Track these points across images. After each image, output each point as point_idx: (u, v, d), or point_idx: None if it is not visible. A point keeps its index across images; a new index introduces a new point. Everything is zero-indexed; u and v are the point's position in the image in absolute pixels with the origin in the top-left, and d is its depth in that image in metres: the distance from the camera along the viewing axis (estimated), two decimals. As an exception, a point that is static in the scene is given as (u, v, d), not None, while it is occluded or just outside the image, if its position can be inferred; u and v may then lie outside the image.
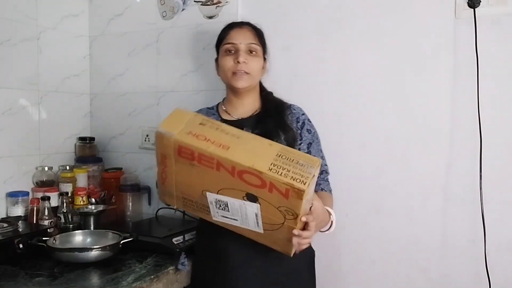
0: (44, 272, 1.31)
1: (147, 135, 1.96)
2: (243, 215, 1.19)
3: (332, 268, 1.41)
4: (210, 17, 1.80)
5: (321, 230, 1.30)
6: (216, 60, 1.48)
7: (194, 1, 1.82)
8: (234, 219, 1.22)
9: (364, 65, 1.56)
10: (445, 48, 1.45)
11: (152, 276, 1.30)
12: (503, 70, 1.39)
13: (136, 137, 1.99)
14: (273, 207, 1.13)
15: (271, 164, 1.07)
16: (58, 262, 1.37)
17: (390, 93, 1.53)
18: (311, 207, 1.18)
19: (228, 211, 1.20)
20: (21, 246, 1.41)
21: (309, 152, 1.42)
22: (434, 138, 1.48)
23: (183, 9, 1.86)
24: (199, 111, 1.51)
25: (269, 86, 1.54)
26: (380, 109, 1.54)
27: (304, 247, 1.19)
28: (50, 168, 1.86)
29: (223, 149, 1.09)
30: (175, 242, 1.49)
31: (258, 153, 1.11)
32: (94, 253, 1.35)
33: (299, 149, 1.40)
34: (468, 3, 1.40)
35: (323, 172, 1.45)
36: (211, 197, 1.19)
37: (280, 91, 1.63)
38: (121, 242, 1.42)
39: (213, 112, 1.50)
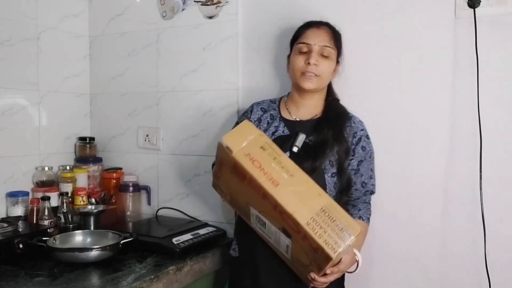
0: (44, 272, 1.31)
1: (147, 135, 1.96)
2: (277, 239, 1.22)
3: (332, 268, 1.42)
4: (210, 17, 1.80)
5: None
6: (288, 56, 1.46)
7: (194, 1, 1.82)
8: (268, 237, 1.26)
9: (364, 65, 1.56)
10: (445, 48, 1.45)
11: (152, 276, 1.30)
12: (503, 70, 1.39)
13: (136, 137, 1.99)
14: (303, 250, 1.14)
15: (311, 219, 1.07)
16: (58, 262, 1.37)
17: (390, 93, 1.53)
18: (340, 259, 1.18)
19: (265, 229, 1.24)
20: (21, 246, 1.41)
21: (357, 170, 1.41)
22: (434, 138, 1.48)
23: (183, 9, 1.86)
24: (262, 102, 1.51)
25: (272, 86, 1.53)
26: (380, 109, 1.54)
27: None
28: (50, 168, 1.86)
29: (272, 185, 1.10)
30: (175, 242, 1.49)
31: (304, 200, 1.10)
32: (94, 253, 1.35)
33: (349, 165, 1.39)
34: (468, 3, 1.40)
35: (367, 192, 1.44)
36: (253, 211, 1.23)
37: (280, 93, 1.64)
38: (121, 242, 1.42)
39: (274, 107, 1.48)
